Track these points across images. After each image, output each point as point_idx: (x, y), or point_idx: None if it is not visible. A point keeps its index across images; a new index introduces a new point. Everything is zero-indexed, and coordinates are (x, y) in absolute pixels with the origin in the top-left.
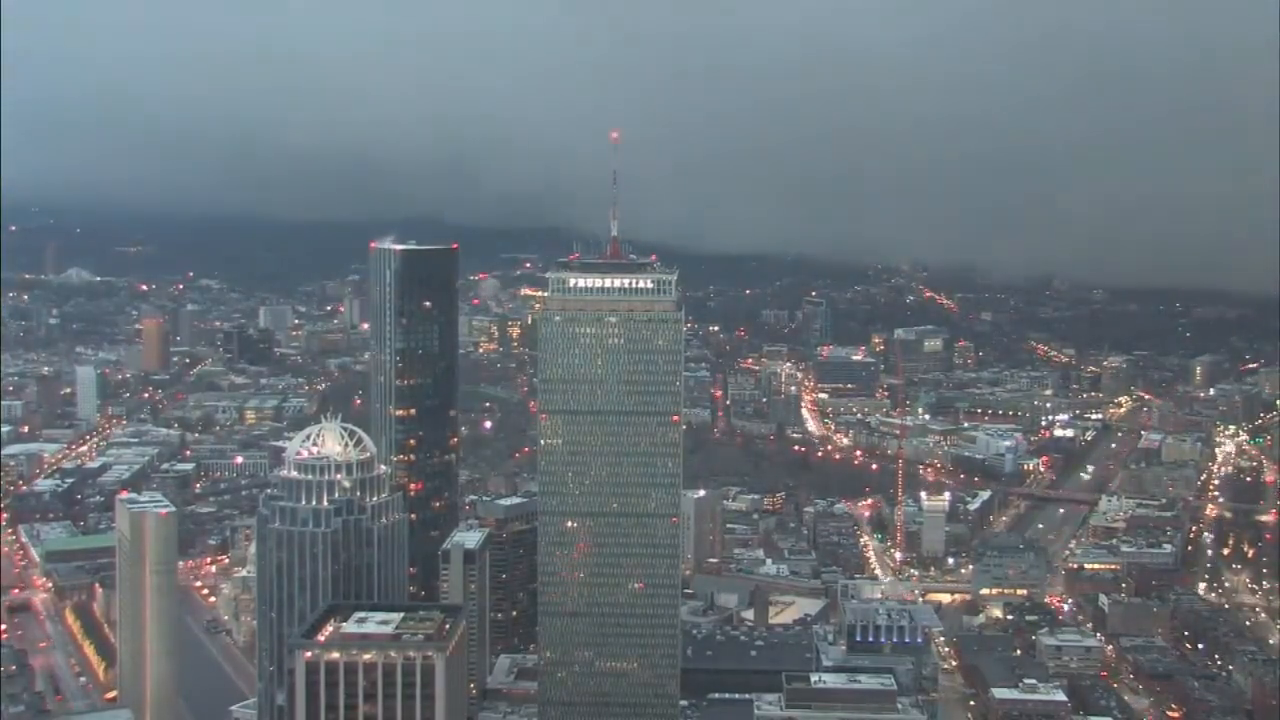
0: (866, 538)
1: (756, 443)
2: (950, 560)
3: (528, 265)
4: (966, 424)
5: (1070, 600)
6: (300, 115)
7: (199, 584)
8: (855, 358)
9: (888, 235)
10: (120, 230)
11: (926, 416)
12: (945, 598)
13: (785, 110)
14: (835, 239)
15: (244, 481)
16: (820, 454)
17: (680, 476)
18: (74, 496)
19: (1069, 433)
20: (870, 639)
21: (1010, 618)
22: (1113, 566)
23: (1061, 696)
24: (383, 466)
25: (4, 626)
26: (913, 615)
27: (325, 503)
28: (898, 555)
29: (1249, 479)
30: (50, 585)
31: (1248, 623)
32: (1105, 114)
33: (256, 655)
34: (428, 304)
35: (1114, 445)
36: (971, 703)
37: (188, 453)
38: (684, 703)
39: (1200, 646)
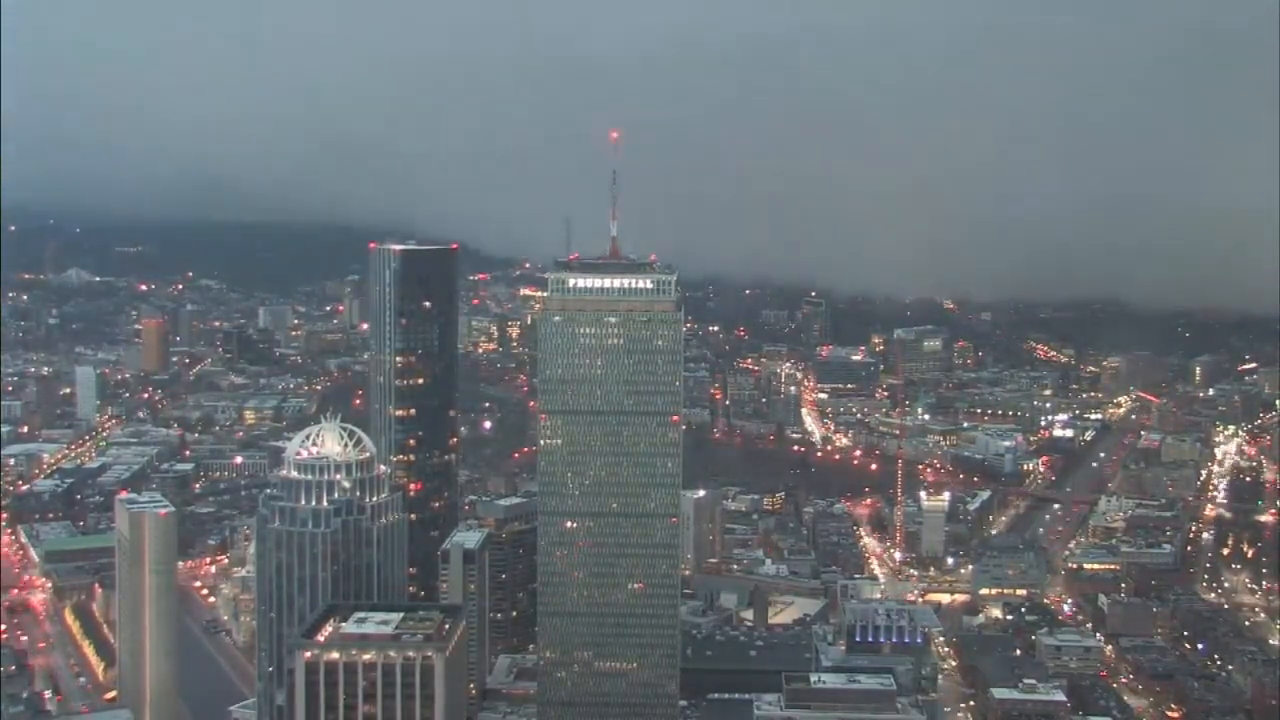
0: (866, 538)
1: (756, 443)
2: (950, 560)
3: (526, 265)
4: (966, 424)
5: (1070, 600)
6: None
7: (199, 584)
8: (855, 358)
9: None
10: (120, 231)
11: (926, 416)
12: (945, 598)
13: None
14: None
15: (244, 481)
16: (820, 454)
17: (680, 476)
18: (74, 496)
19: (1069, 433)
20: (870, 639)
21: (1010, 618)
22: (1112, 566)
23: (1061, 696)
24: (382, 466)
25: (4, 626)
26: (912, 615)
27: (325, 503)
28: (897, 555)
29: (1248, 479)
30: (50, 585)
31: (1247, 623)
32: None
33: (256, 655)
34: (427, 304)
35: (1113, 445)
36: (971, 703)
37: (187, 453)
38: (684, 703)
39: (1200, 646)
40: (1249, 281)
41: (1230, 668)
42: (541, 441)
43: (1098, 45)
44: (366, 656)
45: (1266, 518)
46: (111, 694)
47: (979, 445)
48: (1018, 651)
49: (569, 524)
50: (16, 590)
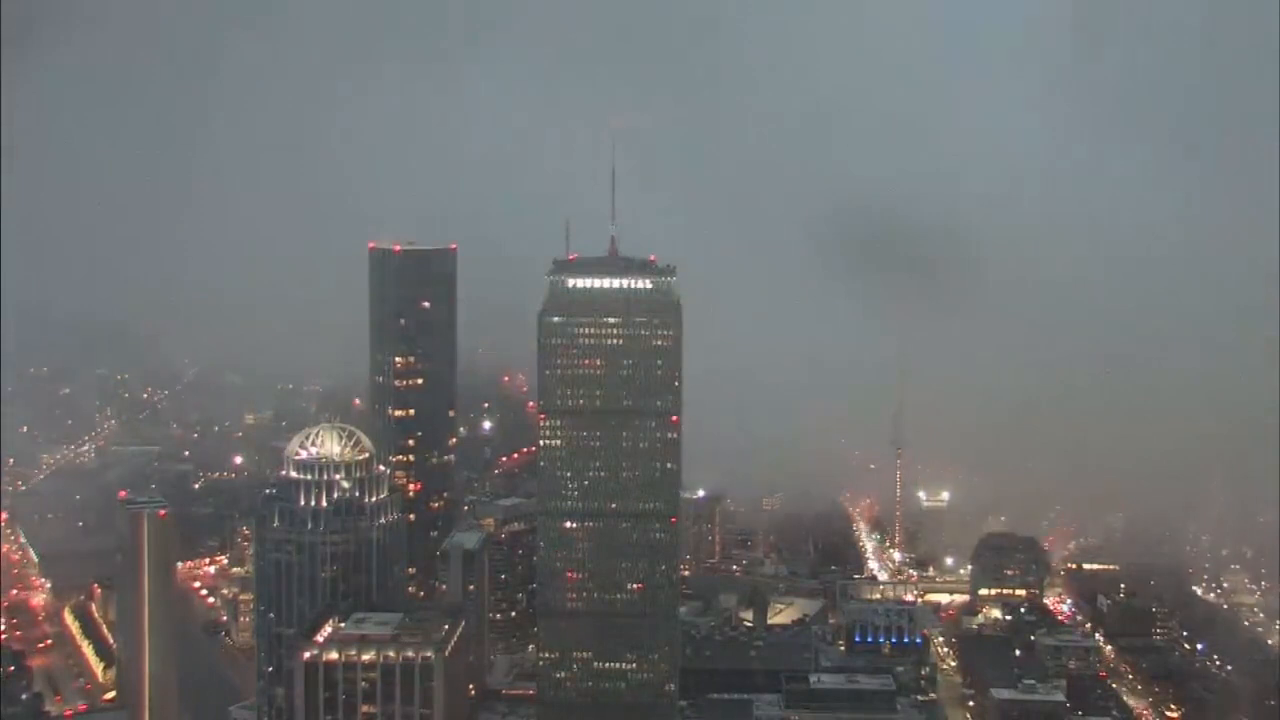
0: (866, 538)
1: None
2: (950, 560)
3: None
4: None
5: (1070, 600)
6: None
7: (199, 584)
8: None
9: None
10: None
11: None
12: (945, 598)
13: None
14: None
15: (244, 482)
16: None
17: (680, 476)
18: (74, 496)
19: None
20: (869, 639)
21: (1010, 618)
22: (1112, 567)
23: (1061, 696)
24: (382, 467)
25: (3, 626)
26: (912, 616)
27: (324, 503)
28: (897, 555)
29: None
30: (50, 585)
31: (1247, 623)
32: None
33: (256, 655)
34: (427, 304)
35: None
36: (970, 703)
37: (187, 453)
38: (683, 703)
39: (1200, 646)
40: None
41: (1230, 668)
42: (541, 441)
43: None
44: (366, 656)
45: (1266, 518)
46: (110, 694)
47: None
48: (1017, 651)
49: (568, 524)
50: (16, 590)
